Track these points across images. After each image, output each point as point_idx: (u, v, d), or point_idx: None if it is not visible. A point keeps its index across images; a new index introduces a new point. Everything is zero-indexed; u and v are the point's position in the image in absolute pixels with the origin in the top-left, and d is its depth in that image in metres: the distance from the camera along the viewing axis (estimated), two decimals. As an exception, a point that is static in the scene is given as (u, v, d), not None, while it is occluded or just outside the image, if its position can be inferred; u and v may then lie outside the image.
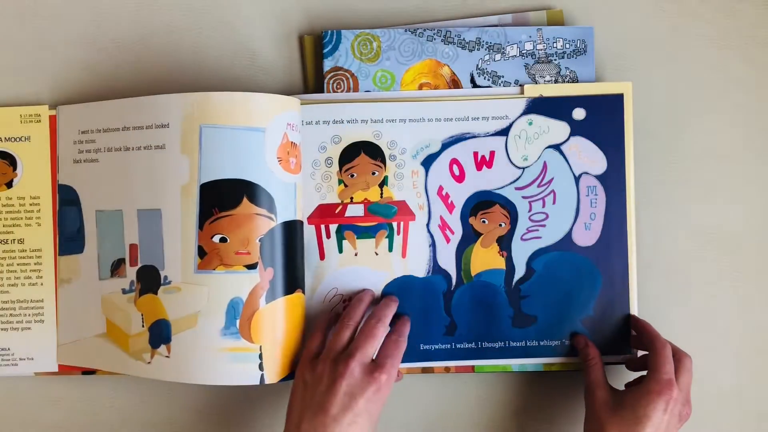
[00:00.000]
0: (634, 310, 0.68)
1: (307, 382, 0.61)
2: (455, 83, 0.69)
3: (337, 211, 0.68)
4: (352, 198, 0.69)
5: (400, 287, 0.68)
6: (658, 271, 0.71)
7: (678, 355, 0.64)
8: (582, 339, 0.68)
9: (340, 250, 0.68)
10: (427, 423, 0.71)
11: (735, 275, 0.72)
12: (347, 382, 0.59)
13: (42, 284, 0.69)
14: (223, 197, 0.64)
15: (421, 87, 0.69)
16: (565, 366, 0.69)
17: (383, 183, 0.69)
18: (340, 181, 0.69)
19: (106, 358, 0.68)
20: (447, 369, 0.69)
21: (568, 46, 0.69)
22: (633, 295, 0.68)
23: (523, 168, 0.68)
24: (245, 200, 0.64)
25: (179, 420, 0.71)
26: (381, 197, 0.69)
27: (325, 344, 0.64)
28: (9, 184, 0.70)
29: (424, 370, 0.69)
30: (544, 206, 0.68)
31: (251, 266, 0.64)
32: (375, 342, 0.62)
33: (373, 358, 0.62)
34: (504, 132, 0.68)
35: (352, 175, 0.69)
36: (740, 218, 0.72)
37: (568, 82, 0.69)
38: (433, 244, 0.68)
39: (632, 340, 0.68)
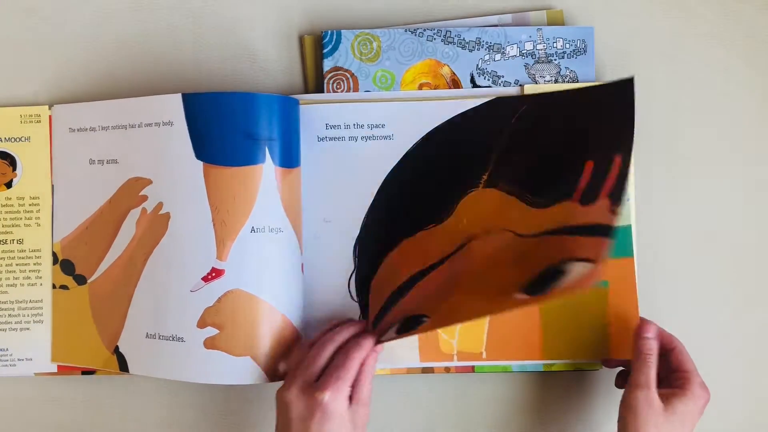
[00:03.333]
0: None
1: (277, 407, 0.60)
2: (455, 83, 0.69)
3: None
4: None
5: None
6: (658, 271, 0.71)
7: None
8: (653, 327, 0.63)
9: None
10: (428, 423, 0.71)
11: (735, 275, 0.72)
12: (294, 411, 0.57)
13: (41, 284, 0.69)
14: None
15: (421, 87, 0.69)
16: (565, 366, 0.69)
17: None
18: None
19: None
20: (447, 369, 0.69)
21: (568, 46, 0.69)
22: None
23: None
24: None
25: (179, 420, 0.71)
26: None
27: None
28: (8, 185, 0.69)
29: (424, 371, 0.69)
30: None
31: None
32: (318, 360, 0.59)
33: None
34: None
35: None
36: (740, 218, 0.72)
37: (568, 82, 0.69)
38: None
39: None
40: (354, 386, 0.59)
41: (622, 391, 0.64)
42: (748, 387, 0.71)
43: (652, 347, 0.62)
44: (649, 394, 0.60)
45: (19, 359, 0.69)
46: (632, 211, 0.68)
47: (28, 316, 0.69)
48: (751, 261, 0.72)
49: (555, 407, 0.71)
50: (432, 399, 0.71)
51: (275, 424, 0.60)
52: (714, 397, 0.64)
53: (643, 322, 0.64)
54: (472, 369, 0.69)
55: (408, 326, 0.62)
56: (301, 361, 0.60)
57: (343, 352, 0.60)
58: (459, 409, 0.71)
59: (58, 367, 0.69)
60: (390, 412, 0.71)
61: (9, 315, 0.69)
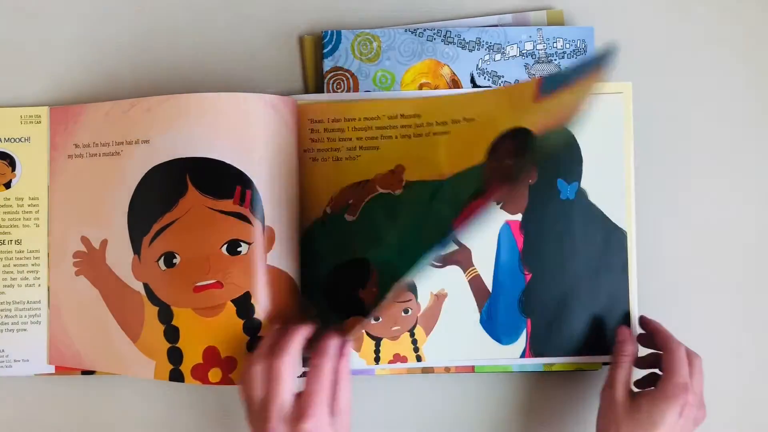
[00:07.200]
0: (634, 309, 0.68)
1: None
2: (455, 83, 0.70)
3: None
4: None
5: None
6: (658, 271, 0.71)
7: (689, 357, 0.64)
8: (626, 332, 0.67)
9: None
10: (428, 423, 0.71)
11: (735, 275, 0.72)
12: None
13: (39, 285, 0.69)
14: None
15: (421, 87, 0.69)
16: (565, 366, 0.68)
17: None
18: None
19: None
20: (447, 369, 0.68)
21: (568, 46, 0.69)
22: (633, 295, 0.68)
23: None
24: None
25: (179, 420, 0.70)
26: None
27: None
28: (7, 185, 0.69)
29: (424, 370, 0.69)
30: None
31: None
32: (282, 384, 0.55)
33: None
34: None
35: None
36: (740, 218, 0.72)
37: (568, 81, 0.69)
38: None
39: (641, 338, 0.68)
40: (332, 397, 0.57)
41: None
42: (747, 387, 0.71)
43: (629, 351, 0.65)
44: (611, 393, 0.63)
45: (15, 360, 0.69)
46: (632, 211, 0.68)
47: (25, 317, 0.69)
48: (752, 261, 0.72)
49: (555, 407, 0.71)
50: (432, 399, 0.71)
51: None
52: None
53: (621, 329, 0.67)
54: (472, 369, 0.68)
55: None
56: (268, 391, 0.56)
57: (312, 367, 0.57)
58: (459, 409, 0.71)
59: (56, 368, 0.69)
60: (390, 412, 0.70)
61: (6, 316, 0.69)
